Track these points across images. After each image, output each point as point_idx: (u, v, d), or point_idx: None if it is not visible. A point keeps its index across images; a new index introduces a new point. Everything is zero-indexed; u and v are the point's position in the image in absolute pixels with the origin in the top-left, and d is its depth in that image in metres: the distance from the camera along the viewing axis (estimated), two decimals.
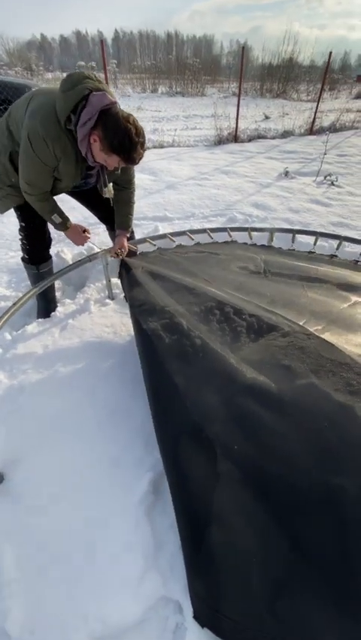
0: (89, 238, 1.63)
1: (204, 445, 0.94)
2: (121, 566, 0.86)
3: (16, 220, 1.58)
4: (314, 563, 0.78)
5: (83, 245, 1.64)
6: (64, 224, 1.51)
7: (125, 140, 1.16)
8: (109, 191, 1.46)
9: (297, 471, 0.89)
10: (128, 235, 1.66)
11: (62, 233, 1.56)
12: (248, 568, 0.78)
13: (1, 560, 0.86)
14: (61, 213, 1.48)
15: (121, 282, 1.66)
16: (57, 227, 1.51)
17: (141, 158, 1.25)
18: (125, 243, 1.65)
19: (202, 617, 0.75)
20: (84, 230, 1.60)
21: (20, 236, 1.63)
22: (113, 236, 1.77)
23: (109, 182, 1.45)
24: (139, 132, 1.19)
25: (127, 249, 1.66)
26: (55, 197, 1.47)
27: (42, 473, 1.06)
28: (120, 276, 1.64)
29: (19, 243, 1.67)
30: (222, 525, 0.82)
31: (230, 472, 0.90)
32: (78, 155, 1.28)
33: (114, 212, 1.62)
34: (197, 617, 0.75)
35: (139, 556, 0.87)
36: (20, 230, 1.60)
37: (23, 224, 1.57)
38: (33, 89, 1.35)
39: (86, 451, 1.12)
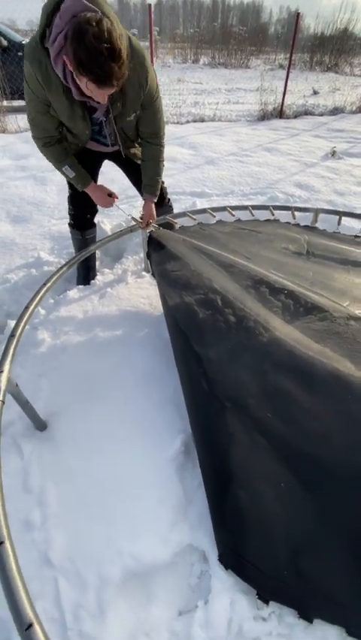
0: (114, 201, 1.54)
1: (232, 414, 0.98)
2: (153, 514, 0.92)
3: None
4: (337, 527, 0.81)
5: (108, 206, 1.55)
6: (79, 179, 1.40)
7: (81, 47, 0.87)
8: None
9: (323, 443, 0.92)
10: (155, 200, 1.56)
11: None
12: (271, 526, 0.82)
13: (45, 494, 0.96)
14: (74, 166, 1.37)
15: (149, 257, 1.63)
16: (74, 183, 1.43)
17: (112, 74, 0.92)
18: (154, 212, 1.57)
19: (226, 560, 0.80)
20: (110, 194, 1.52)
21: (68, 202, 1.68)
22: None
23: (128, 132, 1.34)
24: (101, 34, 0.87)
25: (155, 218, 1.58)
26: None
27: (81, 425, 1.13)
28: (148, 252, 1.61)
29: (68, 209, 1.72)
30: (248, 485, 0.87)
31: (256, 439, 0.94)
32: (68, 89, 1.10)
33: (141, 173, 1.50)
34: (221, 559, 0.81)
35: (170, 508, 0.93)
36: (69, 196, 1.65)
37: (71, 190, 1.60)
38: None
39: (121, 409, 1.18)
